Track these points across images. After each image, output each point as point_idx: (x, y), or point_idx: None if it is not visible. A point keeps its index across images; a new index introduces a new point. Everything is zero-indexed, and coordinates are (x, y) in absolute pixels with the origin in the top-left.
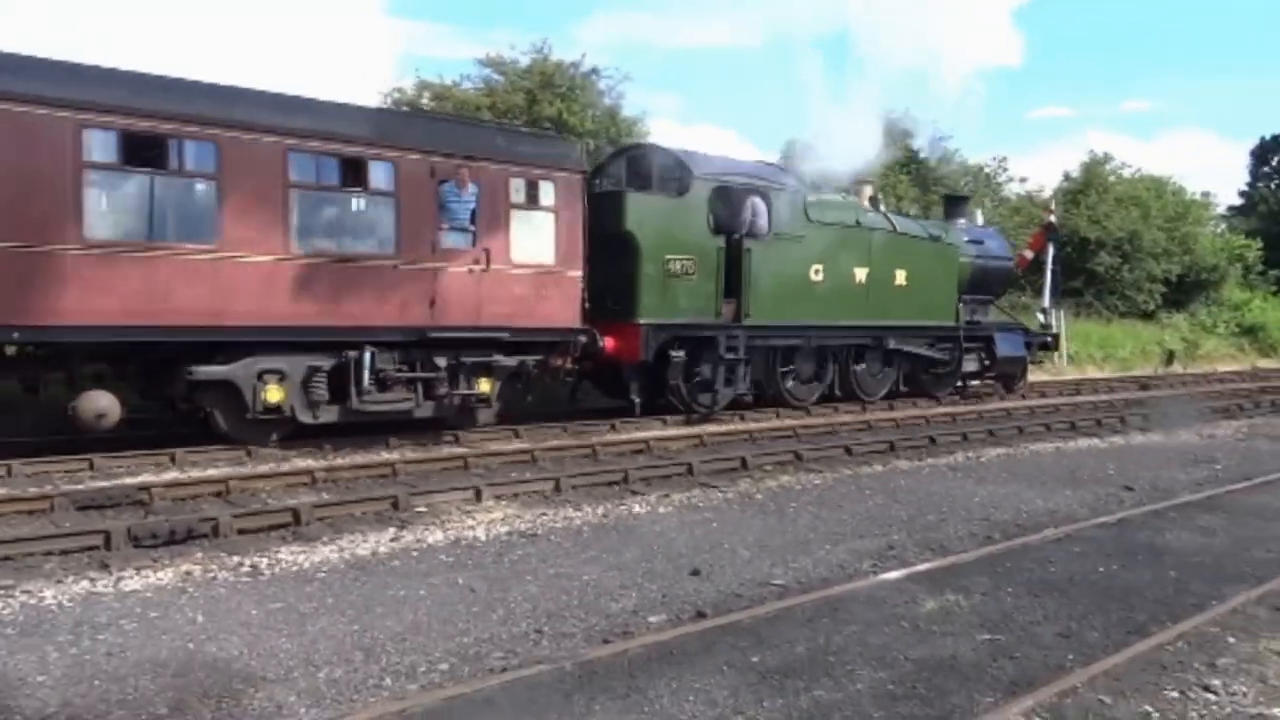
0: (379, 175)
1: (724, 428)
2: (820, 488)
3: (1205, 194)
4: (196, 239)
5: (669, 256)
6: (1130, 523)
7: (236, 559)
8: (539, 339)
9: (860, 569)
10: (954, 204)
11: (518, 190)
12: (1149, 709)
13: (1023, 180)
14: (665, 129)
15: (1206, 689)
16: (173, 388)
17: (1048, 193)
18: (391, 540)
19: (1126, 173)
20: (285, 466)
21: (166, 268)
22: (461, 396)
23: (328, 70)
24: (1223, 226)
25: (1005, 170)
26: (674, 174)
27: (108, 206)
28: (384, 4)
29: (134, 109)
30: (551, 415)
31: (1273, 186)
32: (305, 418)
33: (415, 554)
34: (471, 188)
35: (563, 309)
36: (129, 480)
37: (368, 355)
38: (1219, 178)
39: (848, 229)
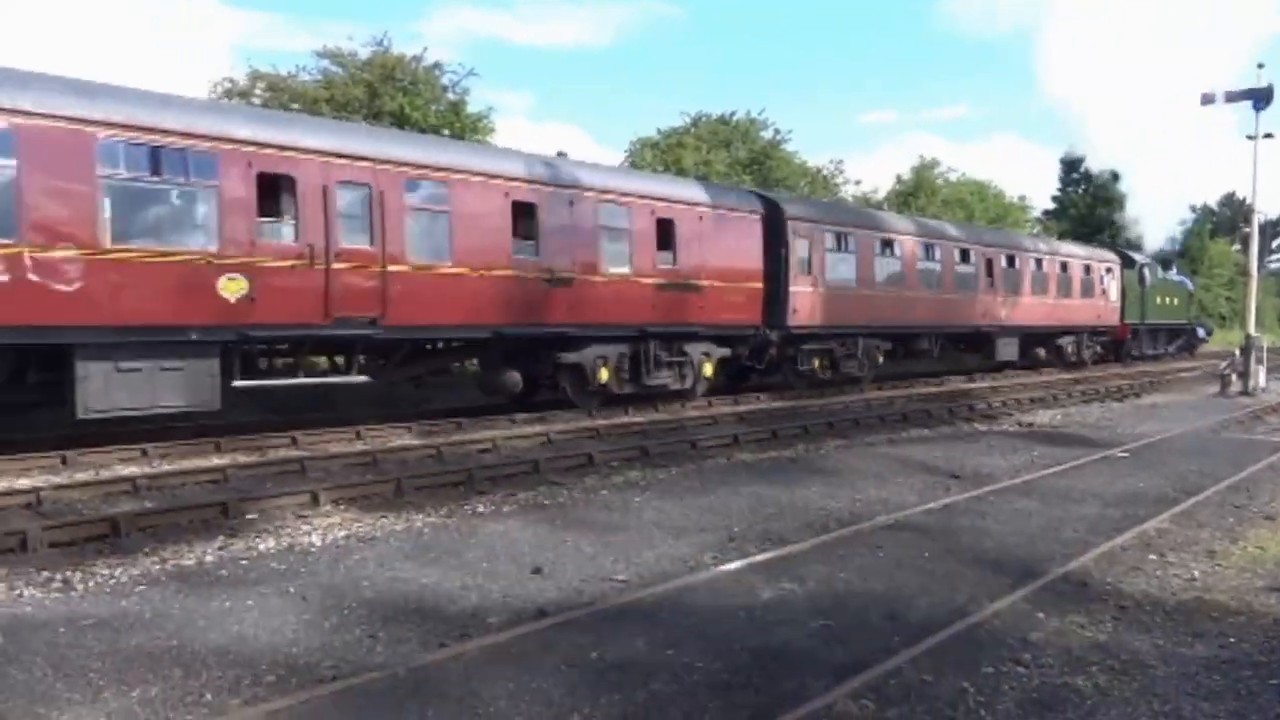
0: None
1: (571, 425)
2: (665, 482)
3: (1022, 197)
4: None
5: (1131, 294)
6: (955, 508)
7: (46, 574)
8: (1090, 330)
9: (701, 561)
10: (1167, 264)
11: (1109, 272)
12: (966, 685)
13: (858, 182)
14: (516, 127)
15: (1018, 663)
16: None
17: (881, 194)
18: (219, 549)
19: (952, 176)
20: (104, 474)
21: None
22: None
23: (159, 57)
24: (1039, 228)
25: (842, 172)
26: (1130, 259)
27: None
28: None
29: None
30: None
31: (1080, 192)
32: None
33: (244, 563)
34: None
35: (1111, 316)
36: None
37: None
38: (1031, 181)
39: (1162, 278)
